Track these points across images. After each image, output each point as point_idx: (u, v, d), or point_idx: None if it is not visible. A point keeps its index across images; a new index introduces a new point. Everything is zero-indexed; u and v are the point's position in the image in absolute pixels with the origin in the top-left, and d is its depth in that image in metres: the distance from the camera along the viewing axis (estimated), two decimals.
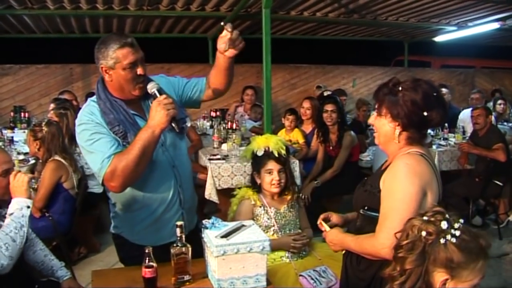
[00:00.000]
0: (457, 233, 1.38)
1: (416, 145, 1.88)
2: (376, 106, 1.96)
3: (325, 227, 2.13)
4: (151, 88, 2.11)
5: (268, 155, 2.84)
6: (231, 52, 2.20)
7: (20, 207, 2.09)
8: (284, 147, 2.87)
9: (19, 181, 2.12)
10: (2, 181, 2.16)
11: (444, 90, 6.96)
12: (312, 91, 7.75)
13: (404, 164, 1.80)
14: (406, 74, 8.79)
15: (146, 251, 1.95)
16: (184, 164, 2.34)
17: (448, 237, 1.38)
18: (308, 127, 5.57)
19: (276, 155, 2.82)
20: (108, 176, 2.02)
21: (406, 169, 1.78)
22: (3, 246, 1.98)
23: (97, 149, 2.05)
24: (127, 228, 2.30)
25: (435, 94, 1.86)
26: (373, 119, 1.98)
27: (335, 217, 2.23)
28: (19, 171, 2.20)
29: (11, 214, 2.08)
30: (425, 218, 1.44)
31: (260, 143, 2.88)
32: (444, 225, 1.40)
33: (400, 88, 1.86)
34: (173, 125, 2.08)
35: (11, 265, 1.99)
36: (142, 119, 2.17)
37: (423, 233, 1.41)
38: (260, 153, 2.85)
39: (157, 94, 2.09)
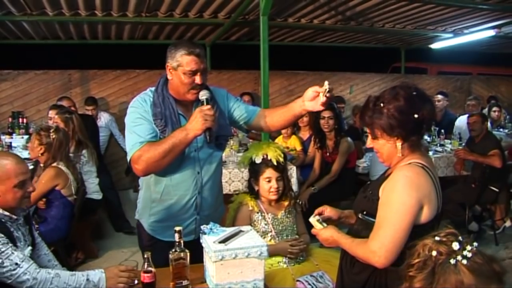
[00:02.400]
0: (469, 254, 1.34)
1: (418, 152, 1.89)
2: (368, 131, 1.96)
3: (315, 225, 2.12)
4: (202, 95, 2.28)
5: (266, 163, 2.84)
6: (316, 107, 2.28)
7: (95, 284, 2.01)
8: (282, 155, 2.89)
9: (121, 277, 2.04)
10: (17, 192, 2.13)
11: (439, 96, 7.01)
12: None
13: (404, 175, 1.81)
14: (403, 81, 8.81)
15: (145, 256, 1.98)
16: (211, 174, 2.47)
17: (459, 258, 1.34)
18: (305, 134, 5.59)
19: (275, 163, 2.82)
20: (135, 158, 2.22)
21: (405, 180, 1.80)
22: (51, 285, 1.95)
23: (136, 132, 2.26)
24: (144, 216, 2.50)
25: (414, 93, 1.85)
26: (370, 142, 1.99)
27: (329, 211, 2.23)
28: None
29: (88, 279, 1.99)
30: (437, 238, 1.41)
31: (259, 150, 2.89)
32: (455, 246, 1.36)
33: (382, 104, 1.86)
34: (206, 135, 2.21)
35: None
36: (186, 120, 2.31)
37: (434, 253, 1.38)
38: (258, 160, 2.86)
39: (204, 103, 2.24)
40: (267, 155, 2.84)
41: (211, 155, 2.44)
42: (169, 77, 2.34)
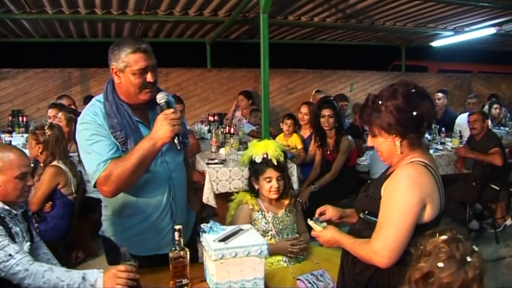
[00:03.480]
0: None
1: (419, 150, 1.88)
2: (367, 129, 1.96)
3: (314, 227, 2.11)
4: (161, 98, 2.13)
5: (266, 162, 2.82)
6: None
7: (91, 284, 1.95)
8: (283, 154, 2.88)
9: (119, 278, 1.95)
10: (18, 184, 2.17)
11: (439, 94, 7.00)
12: (310, 96, 7.77)
13: (406, 174, 1.80)
14: (403, 79, 8.75)
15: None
16: (180, 178, 2.33)
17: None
18: (306, 132, 5.59)
19: (275, 163, 2.81)
20: (101, 180, 2.02)
21: (407, 179, 1.79)
22: (44, 279, 1.91)
23: (95, 151, 2.04)
24: (116, 233, 2.28)
25: (413, 90, 1.85)
26: (370, 141, 1.98)
27: (331, 211, 2.22)
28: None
29: (84, 277, 1.93)
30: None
31: (259, 149, 2.87)
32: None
33: (380, 102, 1.85)
34: (175, 141, 2.07)
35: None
36: (145, 127, 2.17)
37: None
38: (258, 160, 2.84)
39: (165, 107, 2.09)
40: (267, 155, 2.83)
41: (176, 157, 2.28)
42: (116, 80, 2.11)
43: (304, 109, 5.53)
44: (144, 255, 2.18)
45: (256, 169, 2.87)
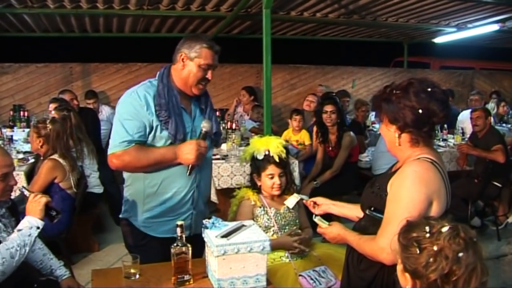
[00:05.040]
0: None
1: (424, 147, 1.88)
2: (377, 114, 1.98)
3: (320, 224, 2.12)
4: (205, 127, 2.32)
5: (268, 159, 2.82)
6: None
7: (30, 225, 2.08)
8: (285, 150, 2.86)
9: (36, 201, 2.13)
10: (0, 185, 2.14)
11: None
12: (313, 91, 7.77)
13: (413, 171, 1.80)
14: (405, 75, 8.80)
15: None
16: (206, 169, 2.49)
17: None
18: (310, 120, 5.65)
19: (277, 159, 2.80)
20: (117, 154, 2.22)
21: (414, 176, 1.78)
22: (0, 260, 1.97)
23: (126, 126, 2.22)
24: (136, 213, 2.39)
25: (429, 89, 1.84)
26: (379, 127, 2.02)
27: (320, 199, 2.32)
28: (39, 194, 2.20)
29: (20, 230, 2.06)
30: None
31: (260, 146, 2.86)
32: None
33: (393, 92, 1.87)
34: (189, 168, 2.29)
35: (1, 280, 1.96)
36: (187, 114, 2.36)
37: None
38: (260, 156, 2.84)
39: (202, 136, 2.31)
40: (269, 151, 2.82)
41: (207, 150, 2.41)
42: (179, 67, 2.32)
43: (311, 98, 5.57)
44: (161, 237, 2.32)
45: (258, 165, 2.87)
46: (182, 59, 2.30)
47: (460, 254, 1.30)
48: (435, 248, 1.32)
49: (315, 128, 5.14)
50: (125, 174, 2.43)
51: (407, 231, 1.41)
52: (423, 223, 1.39)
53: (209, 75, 2.31)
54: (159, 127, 2.25)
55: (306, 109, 5.65)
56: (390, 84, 1.94)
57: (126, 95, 2.31)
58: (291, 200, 2.58)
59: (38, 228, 2.10)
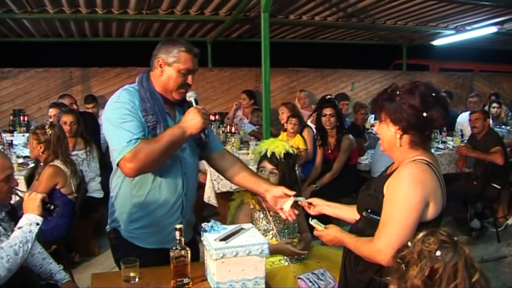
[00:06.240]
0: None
1: (421, 150, 1.89)
2: (377, 113, 1.98)
3: (317, 226, 2.11)
4: (190, 96, 2.22)
5: (264, 156, 2.87)
6: (275, 207, 2.37)
7: (30, 222, 2.11)
8: (283, 151, 2.87)
9: (32, 198, 2.15)
10: (3, 187, 2.17)
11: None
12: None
13: (409, 172, 1.80)
14: (405, 77, 8.81)
15: None
16: (193, 177, 2.38)
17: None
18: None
19: (269, 155, 2.83)
20: (129, 156, 2.03)
21: (410, 177, 1.79)
22: (4, 258, 1.97)
23: (126, 129, 2.08)
24: (123, 223, 2.27)
25: (433, 94, 1.86)
26: (377, 127, 2.01)
27: (315, 200, 2.28)
28: (33, 192, 2.23)
29: (20, 227, 2.09)
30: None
31: (264, 147, 2.92)
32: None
33: (398, 93, 1.87)
34: (202, 135, 2.18)
35: (8, 277, 1.99)
36: (171, 120, 2.24)
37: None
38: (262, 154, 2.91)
39: (194, 103, 2.20)
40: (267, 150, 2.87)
41: (193, 156, 2.33)
42: (157, 73, 2.20)
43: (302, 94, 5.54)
44: (151, 248, 2.22)
45: (257, 166, 2.92)
46: (160, 65, 2.18)
47: (438, 253, 1.33)
48: (415, 255, 1.36)
49: (306, 131, 5.16)
50: (113, 183, 2.29)
51: (396, 254, 1.46)
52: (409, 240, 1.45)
53: (189, 80, 2.21)
54: (147, 132, 2.14)
55: (300, 104, 5.69)
56: (392, 86, 1.94)
57: (114, 100, 2.18)
58: (287, 203, 2.57)
59: (37, 224, 2.12)
